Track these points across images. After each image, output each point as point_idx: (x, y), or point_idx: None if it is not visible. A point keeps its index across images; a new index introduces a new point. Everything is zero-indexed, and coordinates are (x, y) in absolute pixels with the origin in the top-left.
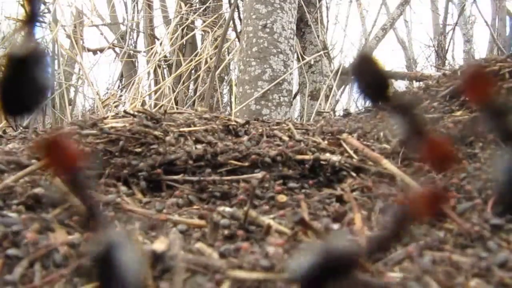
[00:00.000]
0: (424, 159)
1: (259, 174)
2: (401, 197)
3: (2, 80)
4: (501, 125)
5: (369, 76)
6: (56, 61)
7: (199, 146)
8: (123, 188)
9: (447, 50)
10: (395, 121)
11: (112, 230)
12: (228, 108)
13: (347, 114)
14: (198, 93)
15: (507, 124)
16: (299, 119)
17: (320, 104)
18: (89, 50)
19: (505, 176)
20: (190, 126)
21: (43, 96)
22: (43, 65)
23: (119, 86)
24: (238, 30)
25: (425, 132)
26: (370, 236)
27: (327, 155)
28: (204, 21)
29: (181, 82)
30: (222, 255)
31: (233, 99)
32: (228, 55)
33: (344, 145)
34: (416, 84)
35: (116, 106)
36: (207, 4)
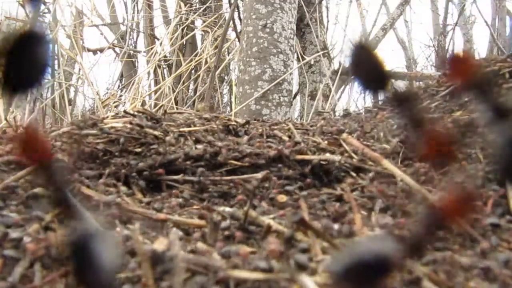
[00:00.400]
0: (423, 154)
1: (259, 174)
2: (433, 201)
3: (3, 58)
4: (489, 101)
5: (367, 66)
6: (56, 61)
7: (199, 146)
8: (123, 188)
9: (447, 50)
10: (395, 113)
11: (85, 219)
12: (228, 108)
13: (347, 114)
14: (198, 93)
15: (495, 100)
16: (299, 119)
17: (318, 103)
18: (89, 50)
19: (503, 150)
20: (190, 126)
21: (43, 72)
22: (42, 41)
23: (119, 86)
24: (238, 30)
25: (425, 125)
26: (404, 240)
27: (327, 155)
28: (204, 21)
29: (181, 82)
30: (223, 256)
31: (233, 99)
32: (228, 55)
33: (344, 145)
34: (416, 84)
35: (116, 106)
36: (207, 4)
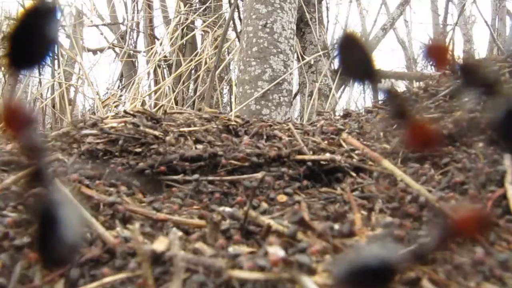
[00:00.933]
0: (408, 140)
1: (259, 174)
2: (450, 214)
3: (10, 33)
4: (475, 81)
5: (354, 55)
6: (56, 61)
7: (199, 146)
8: (123, 188)
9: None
10: (383, 98)
11: (55, 188)
12: (228, 108)
13: (347, 114)
14: (198, 93)
15: (481, 78)
16: (299, 119)
17: (314, 103)
18: (89, 50)
19: (497, 118)
20: (190, 126)
21: (49, 48)
22: (50, 17)
23: (119, 86)
24: (238, 30)
25: (409, 113)
26: (412, 248)
27: (327, 155)
28: (204, 21)
29: (181, 82)
30: (223, 256)
31: (233, 99)
32: (228, 55)
33: (344, 145)
34: (416, 84)
35: (116, 106)
36: (207, 4)
